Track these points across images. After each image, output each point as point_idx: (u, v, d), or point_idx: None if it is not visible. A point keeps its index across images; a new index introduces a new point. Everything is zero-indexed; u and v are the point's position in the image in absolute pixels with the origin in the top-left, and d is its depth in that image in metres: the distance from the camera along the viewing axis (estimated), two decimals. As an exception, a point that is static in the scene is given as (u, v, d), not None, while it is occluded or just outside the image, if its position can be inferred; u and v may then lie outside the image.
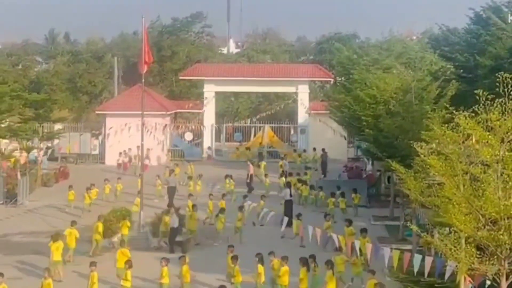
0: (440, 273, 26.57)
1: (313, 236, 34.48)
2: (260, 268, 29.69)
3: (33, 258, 35.78)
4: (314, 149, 70.75)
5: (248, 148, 76.18)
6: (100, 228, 37.60)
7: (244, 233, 40.70)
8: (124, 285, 29.17)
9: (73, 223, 36.44)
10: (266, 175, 56.78)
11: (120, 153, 67.38)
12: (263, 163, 62.69)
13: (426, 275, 26.90)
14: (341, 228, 37.97)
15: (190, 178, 55.58)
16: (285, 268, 29.25)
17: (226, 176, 54.84)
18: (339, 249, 31.72)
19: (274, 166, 63.78)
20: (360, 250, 31.35)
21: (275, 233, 40.60)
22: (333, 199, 47.60)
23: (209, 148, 78.16)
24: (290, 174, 57.67)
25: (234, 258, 30.69)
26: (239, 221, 40.81)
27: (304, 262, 29.11)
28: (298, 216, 41.00)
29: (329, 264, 28.73)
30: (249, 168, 58.46)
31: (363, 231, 35.53)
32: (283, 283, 29.18)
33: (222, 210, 41.87)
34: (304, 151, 70.53)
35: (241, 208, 41.51)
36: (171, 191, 50.23)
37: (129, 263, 29.67)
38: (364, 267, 30.49)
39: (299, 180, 54.15)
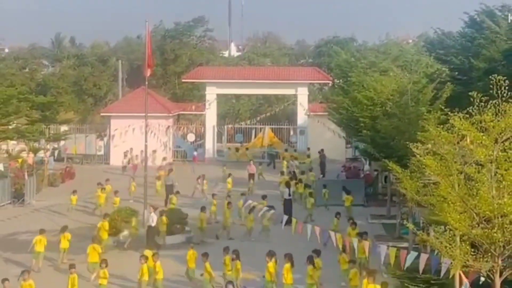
0: (436, 270, 26.58)
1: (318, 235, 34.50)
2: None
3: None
4: (309, 148, 71.06)
5: (247, 149, 76.41)
6: (106, 226, 37.70)
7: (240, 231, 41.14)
8: (102, 284, 29.10)
9: (41, 231, 35.89)
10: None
11: (125, 155, 67.35)
12: None
13: (420, 271, 26.87)
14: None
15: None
16: (287, 265, 29.40)
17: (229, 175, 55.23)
18: (342, 249, 31.71)
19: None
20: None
21: (275, 232, 40.60)
22: (328, 190, 47.57)
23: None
24: (294, 174, 57.90)
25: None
26: (250, 221, 41.19)
27: (310, 259, 29.43)
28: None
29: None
30: (250, 167, 58.61)
31: (352, 223, 35.99)
32: (287, 281, 29.32)
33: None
34: (308, 156, 70.13)
35: (252, 209, 41.38)
36: (169, 189, 50.50)
37: (105, 262, 29.60)
38: (364, 267, 30.49)
39: (300, 180, 54.23)
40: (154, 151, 65.79)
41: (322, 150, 66.59)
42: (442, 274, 25.47)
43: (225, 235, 40.77)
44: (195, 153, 73.76)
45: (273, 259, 29.74)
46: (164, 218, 39.73)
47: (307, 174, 57.96)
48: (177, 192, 49.11)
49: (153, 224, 38.01)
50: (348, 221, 38.78)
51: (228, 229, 41.40)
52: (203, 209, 41.58)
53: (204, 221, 40.99)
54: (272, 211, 40.87)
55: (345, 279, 30.67)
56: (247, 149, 75.97)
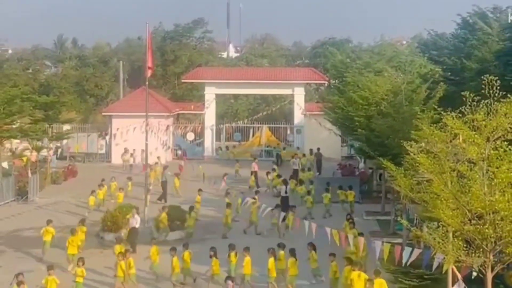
0: (428, 265, 26.63)
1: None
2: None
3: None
4: (298, 148, 71.23)
5: (229, 150, 76.96)
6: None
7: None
8: (78, 282, 29.01)
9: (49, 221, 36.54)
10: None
11: (126, 151, 67.29)
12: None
13: (408, 263, 26.91)
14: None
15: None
16: (291, 259, 29.69)
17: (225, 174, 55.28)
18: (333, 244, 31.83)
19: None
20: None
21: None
22: (328, 195, 47.56)
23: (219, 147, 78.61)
24: (296, 172, 58.03)
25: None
26: (253, 216, 41.38)
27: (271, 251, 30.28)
28: (292, 208, 41.15)
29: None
30: (254, 165, 58.86)
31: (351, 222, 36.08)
32: (292, 274, 29.73)
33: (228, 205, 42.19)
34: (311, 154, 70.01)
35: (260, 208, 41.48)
36: (164, 185, 50.60)
37: (82, 261, 29.50)
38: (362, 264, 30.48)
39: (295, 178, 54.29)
40: (143, 151, 65.49)
41: (318, 149, 66.59)
42: (433, 268, 25.55)
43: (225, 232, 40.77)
44: (179, 152, 73.52)
45: (272, 256, 29.99)
46: (164, 214, 39.79)
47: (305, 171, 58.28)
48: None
49: (136, 226, 37.55)
50: (347, 219, 38.97)
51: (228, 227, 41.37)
52: (228, 205, 41.70)
53: (229, 217, 41.15)
54: (270, 208, 41.06)
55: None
56: (228, 150, 76.28)
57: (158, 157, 63.39)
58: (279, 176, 53.99)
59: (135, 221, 37.39)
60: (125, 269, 29.79)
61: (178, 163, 65.37)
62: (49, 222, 36.40)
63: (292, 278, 29.82)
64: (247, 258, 30.17)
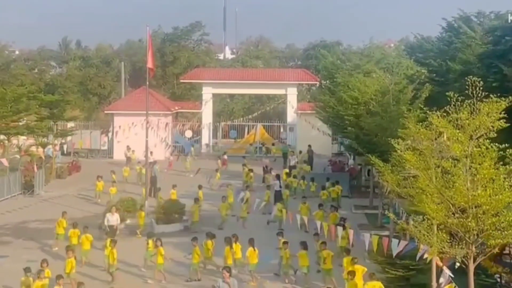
0: (413, 256, 26.69)
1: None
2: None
3: (48, 242, 35.88)
4: (289, 145, 71.36)
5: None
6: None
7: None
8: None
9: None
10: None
11: (133, 151, 67.10)
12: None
13: (394, 255, 26.97)
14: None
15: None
16: (303, 252, 29.80)
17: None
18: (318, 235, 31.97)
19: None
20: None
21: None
22: (326, 192, 47.51)
23: (206, 144, 78.53)
24: (294, 167, 58.15)
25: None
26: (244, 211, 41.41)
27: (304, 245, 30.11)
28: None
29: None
30: (264, 162, 59.21)
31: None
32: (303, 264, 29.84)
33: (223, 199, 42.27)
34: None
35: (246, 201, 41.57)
36: (153, 180, 50.45)
37: (45, 262, 28.31)
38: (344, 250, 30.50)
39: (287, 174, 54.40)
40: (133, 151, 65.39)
41: (310, 146, 66.67)
42: (417, 259, 25.61)
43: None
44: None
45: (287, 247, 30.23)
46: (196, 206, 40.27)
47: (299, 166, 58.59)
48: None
49: (114, 224, 36.31)
50: (330, 208, 39.32)
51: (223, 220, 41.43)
52: (223, 199, 41.92)
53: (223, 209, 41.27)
54: (264, 202, 41.22)
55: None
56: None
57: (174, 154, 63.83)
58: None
59: (113, 220, 36.22)
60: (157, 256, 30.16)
61: (168, 160, 65.73)
62: (64, 214, 36.39)
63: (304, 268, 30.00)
64: (251, 249, 30.19)
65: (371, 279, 25.83)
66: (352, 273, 25.99)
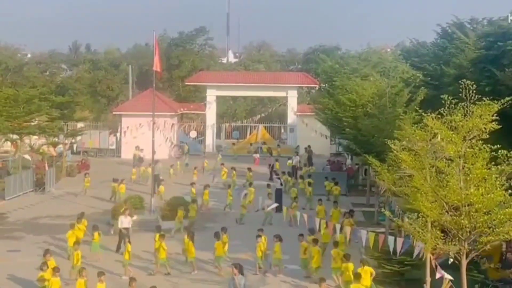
0: (408, 252, 26.71)
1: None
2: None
3: (58, 237, 35.91)
4: (279, 145, 71.26)
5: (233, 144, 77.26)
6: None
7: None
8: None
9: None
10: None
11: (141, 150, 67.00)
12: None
13: (398, 254, 26.97)
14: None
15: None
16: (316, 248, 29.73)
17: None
18: (313, 230, 31.95)
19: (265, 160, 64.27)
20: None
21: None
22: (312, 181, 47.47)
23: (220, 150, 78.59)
24: (296, 168, 58.13)
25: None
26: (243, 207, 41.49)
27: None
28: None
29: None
30: (293, 160, 59.48)
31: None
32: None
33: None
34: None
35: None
36: (156, 178, 50.44)
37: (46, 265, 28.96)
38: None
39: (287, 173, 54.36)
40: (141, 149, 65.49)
41: (309, 146, 66.69)
42: (414, 255, 25.60)
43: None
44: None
45: (303, 241, 30.34)
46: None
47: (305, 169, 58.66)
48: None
49: (128, 226, 35.18)
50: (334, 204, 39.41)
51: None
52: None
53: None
54: (266, 199, 41.24)
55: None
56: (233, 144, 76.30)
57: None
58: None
59: (122, 222, 34.96)
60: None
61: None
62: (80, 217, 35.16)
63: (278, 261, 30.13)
64: (278, 244, 30.18)
65: (363, 265, 26.19)
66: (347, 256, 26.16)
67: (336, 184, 48.07)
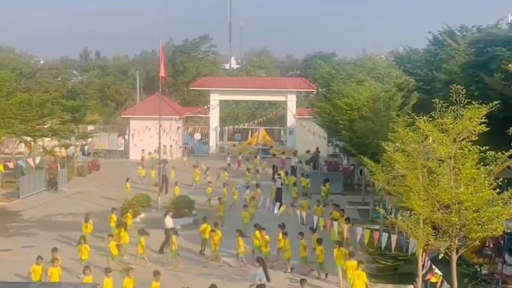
0: (401, 247, 26.76)
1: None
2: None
3: (70, 233, 35.92)
4: (308, 150, 71.20)
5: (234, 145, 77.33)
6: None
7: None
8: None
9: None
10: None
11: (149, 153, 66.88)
12: None
13: (392, 250, 27.00)
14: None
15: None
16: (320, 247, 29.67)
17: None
18: (314, 229, 31.89)
19: (266, 161, 64.21)
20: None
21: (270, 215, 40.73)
22: (324, 188, 47.37)
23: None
24: (295, 168, 58.16)
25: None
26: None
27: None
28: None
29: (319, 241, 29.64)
30: (291, 161, 59.47)
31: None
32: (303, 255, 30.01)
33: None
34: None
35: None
36: (164, 179, 50.48)
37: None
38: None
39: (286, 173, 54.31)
40: (166, 146, 65.46)
41: (317, 148, 67.52)
42: (410, 252, 25.59)
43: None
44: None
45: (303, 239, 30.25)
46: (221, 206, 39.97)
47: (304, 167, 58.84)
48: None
49: (173, 226, 34.39)
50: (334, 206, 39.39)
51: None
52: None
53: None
54: (268, 199, 41.18)
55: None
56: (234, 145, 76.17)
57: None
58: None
59: (171, 221, 34.71)
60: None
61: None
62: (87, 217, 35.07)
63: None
64: (303, 241, 30.07)
65: (350, 258, 26.54)
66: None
67: (324, 184, 47.78)
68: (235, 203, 44.40)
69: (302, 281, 24.31)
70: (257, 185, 47.15)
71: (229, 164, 58.71)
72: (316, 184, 48.60)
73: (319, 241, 29.61)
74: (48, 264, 25.92)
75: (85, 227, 33.70)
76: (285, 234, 30.55)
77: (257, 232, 31.12)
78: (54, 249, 28.14)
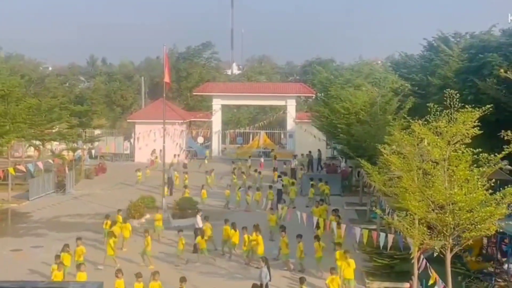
0: (397, 247, 26.76)
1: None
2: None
3: (78, 234, 35.83)
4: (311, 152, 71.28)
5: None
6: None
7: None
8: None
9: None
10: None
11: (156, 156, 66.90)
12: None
13: (388, 249, 27.00)
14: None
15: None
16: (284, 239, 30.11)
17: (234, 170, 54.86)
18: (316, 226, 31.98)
19: (267, 163, 64.18)
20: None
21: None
22: (313, 189, 47.37)
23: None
24: (295, 171, 58.14)
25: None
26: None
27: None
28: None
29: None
30: (291, 163, 59.46)
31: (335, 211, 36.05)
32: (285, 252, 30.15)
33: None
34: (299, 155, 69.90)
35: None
36: (170, 181, 50.54)
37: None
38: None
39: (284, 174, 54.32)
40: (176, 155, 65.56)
41: (319, 150, 67.54)
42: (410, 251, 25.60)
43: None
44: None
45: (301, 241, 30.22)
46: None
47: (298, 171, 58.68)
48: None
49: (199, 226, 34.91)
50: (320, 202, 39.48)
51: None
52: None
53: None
54: (269, 200, 41.19)
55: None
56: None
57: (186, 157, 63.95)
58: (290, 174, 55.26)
59: (199, 222, 34.90)
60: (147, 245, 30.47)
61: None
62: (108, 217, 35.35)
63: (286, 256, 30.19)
64: (317, 244, 30.02)
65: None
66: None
67: (312, 186, 47.68)
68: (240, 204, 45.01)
69: (301, 279, 24.32)
70: (258, 188, 47.14)
71: (259, 172, 56.94)
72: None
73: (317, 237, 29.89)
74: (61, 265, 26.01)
75: (106, 224, 34.24)
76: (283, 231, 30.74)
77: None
78: (66, 245, 28.39)
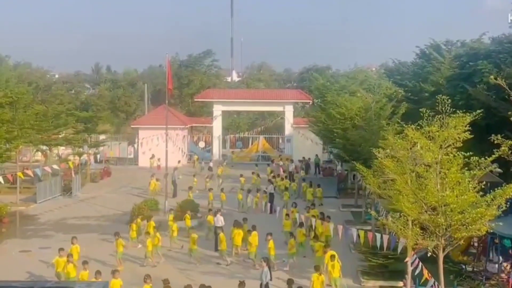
0: (391, 247, 26.79)
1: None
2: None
3: (84, 235, 35.88)
4: (309, 158, 71.12)
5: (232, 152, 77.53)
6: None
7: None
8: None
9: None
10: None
11: (159, 159, 66.81)
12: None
13: (384, 249, 27.01)
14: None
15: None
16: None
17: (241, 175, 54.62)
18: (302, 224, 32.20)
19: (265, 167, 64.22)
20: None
21: (265, 217, 40.71)
22: (311, 190, 47.45)
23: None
24: (292, 174, 58.13)
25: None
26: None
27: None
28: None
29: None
30: (289, 166, 60.04)
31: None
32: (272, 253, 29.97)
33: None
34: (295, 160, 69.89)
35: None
36: (174, 184, 50.64)
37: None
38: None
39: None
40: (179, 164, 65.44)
41: (317, 155, 67.72)
42: (398, 251, 25.63)
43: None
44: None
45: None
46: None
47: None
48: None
49: (221, 225, 35.02)
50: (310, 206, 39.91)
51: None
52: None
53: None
54: (263, 202, 41.19)
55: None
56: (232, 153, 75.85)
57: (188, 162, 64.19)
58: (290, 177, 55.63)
59: (219, 221, 35.16)
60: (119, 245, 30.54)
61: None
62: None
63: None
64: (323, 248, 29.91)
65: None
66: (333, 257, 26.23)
67: (307, 188, 47.84)
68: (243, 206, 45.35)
69: (288, 280, 24.19)
70: (258, 190, 47.13)
71: (275, 176, 56.30)
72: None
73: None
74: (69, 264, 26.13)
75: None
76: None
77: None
78: (74, 238, 29.07)
